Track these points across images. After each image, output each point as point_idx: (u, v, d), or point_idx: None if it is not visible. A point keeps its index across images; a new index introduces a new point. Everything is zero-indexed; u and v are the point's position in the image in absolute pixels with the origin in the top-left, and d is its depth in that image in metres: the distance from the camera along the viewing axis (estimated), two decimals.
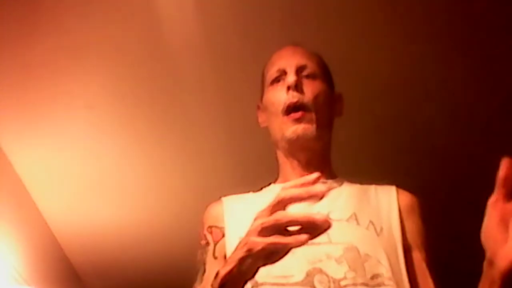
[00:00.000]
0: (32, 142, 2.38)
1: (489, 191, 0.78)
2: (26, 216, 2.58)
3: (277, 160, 1.35)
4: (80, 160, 2.50)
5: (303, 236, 0.80)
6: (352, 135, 2.33)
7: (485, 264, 0.76)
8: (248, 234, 0.87)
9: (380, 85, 2.24)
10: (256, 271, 0.87)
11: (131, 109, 2.30)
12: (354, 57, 2.12)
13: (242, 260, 0.85)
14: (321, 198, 0.82)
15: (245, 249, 0.85)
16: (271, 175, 1.35)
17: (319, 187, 0.83)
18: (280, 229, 0.82)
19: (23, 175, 2.52)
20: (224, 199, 1.30)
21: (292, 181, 0.90)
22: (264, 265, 0.86)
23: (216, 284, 0.90)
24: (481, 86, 2.27)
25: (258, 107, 1.40)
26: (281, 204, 0.85)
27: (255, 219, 0.88)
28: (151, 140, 2.44)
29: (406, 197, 1.26)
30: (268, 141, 1.38)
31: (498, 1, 1.99)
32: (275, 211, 0.85)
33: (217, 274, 0.91)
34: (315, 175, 0.85)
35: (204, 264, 1.21)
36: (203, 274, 1.20)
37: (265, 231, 0.83)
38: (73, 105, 2.25)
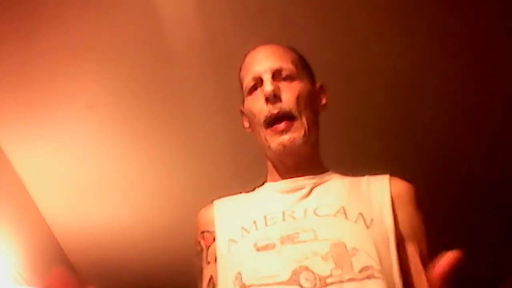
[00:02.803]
0: (32, 142, 2.38)
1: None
2: (26, 216, 2.58)
3: (266, 164, 1.33)
4: (80, 160, 2.50)
5: None
6: (353, 134, 2.33)
7: None
8: None
9: (381, 83, 2.24)
10: None
11: (131, 109, 2.30)
12: (354, 56, 2.12)
13: None
14: None
15: None
16: None
17: None
18: None
19: (23, 175, 2.52)
20: (215, 202, 1.28)
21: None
22: None
23: None
24: (481, 86, 2.27)
25: (242, 112, 1.34)
26: None
27: None
28: (151, 140, 2.44)
29: (400, 186, 1.21)
30: None
31: (499, 1, 1.99)
32: None
33: None
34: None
35: (201, 271, 1.21)
36: (202, 281, 1.20)
37: None
38: (73, 105, 2.25)
